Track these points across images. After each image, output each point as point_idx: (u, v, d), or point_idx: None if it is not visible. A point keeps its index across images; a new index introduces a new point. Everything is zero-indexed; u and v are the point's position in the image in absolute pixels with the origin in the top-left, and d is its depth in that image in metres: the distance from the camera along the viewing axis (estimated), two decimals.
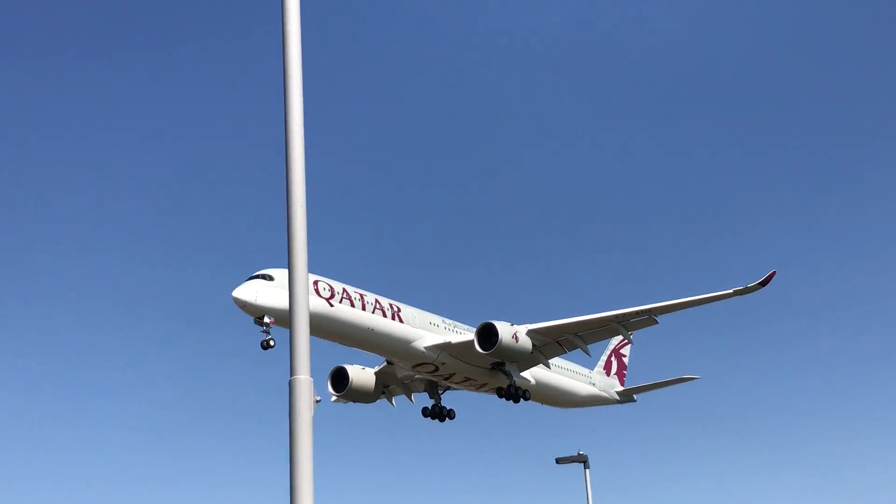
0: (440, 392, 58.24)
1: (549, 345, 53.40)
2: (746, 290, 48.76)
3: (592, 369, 68.98)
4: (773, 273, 48.12)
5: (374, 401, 56.63)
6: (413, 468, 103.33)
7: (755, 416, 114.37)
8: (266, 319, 42.63)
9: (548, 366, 57.39)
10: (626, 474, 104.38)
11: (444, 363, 51.72)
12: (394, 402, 58.46)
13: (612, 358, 73.94)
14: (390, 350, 50.07)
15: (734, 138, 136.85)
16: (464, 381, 54.88)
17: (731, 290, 49.14)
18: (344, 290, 47.09)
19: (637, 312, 51.13)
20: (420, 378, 55.89)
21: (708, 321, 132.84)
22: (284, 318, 41.77)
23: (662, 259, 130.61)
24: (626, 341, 71.06)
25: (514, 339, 49.30)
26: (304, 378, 12.92)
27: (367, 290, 49.48)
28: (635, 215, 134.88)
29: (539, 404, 61.35)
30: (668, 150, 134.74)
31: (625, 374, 74.70)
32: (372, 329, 47.60)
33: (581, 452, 48.56)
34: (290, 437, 12.52)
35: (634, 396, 70.65)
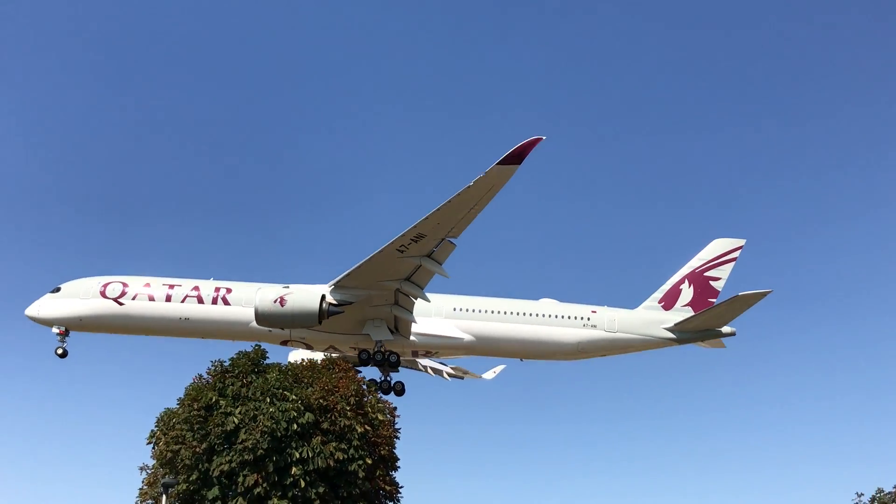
0: (391, 363, 54.02)
1: (405, 296, 48.98)
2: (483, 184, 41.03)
3: (637, 306, 54.90)
4: (537, 140, 38.01)
5: None
6: None
7: None
8: (54, 330, 48.32)
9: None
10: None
11: (303, 337, 50.26)
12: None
13: (685, 286, 54.94)
14: (232, 334, 50.28)
15: None
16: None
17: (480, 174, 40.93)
18: (146, 285, 49.92)
19: (408, 237, 44.73)
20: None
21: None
22: (75, 325, 48.76)
23: None
24: (715, 260, 56.68)
25: (278, 305, 46.04)
26: None
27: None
28: None
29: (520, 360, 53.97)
30: None
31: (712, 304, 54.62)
32: (187, 318, 49.70)
33: None
34: None
35: (727, 329, 53.07)
